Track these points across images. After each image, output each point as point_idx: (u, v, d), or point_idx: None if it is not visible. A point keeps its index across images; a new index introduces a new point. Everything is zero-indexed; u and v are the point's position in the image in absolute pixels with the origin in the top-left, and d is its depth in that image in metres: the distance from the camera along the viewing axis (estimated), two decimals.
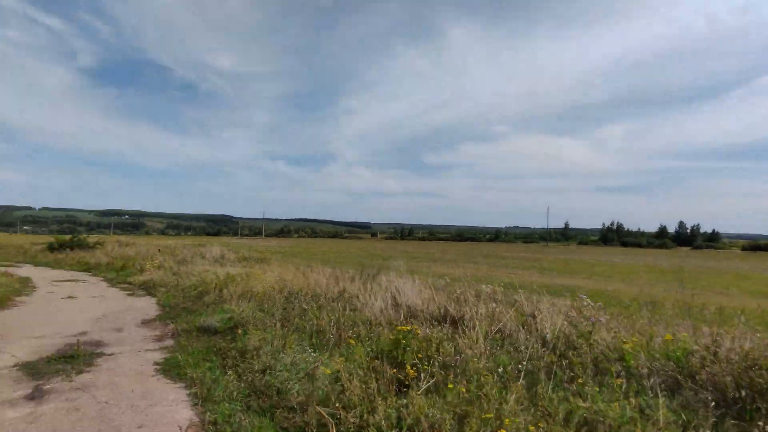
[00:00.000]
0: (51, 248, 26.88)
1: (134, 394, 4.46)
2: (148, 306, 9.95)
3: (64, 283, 13.83)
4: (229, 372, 4.87)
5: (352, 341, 5.26)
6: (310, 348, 5.60)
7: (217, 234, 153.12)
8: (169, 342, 6.57)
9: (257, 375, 4.72)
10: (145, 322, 8.06)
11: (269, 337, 5.85)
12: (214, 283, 11.02)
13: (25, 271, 17.71)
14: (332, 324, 6.23)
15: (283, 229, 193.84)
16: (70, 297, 10.81)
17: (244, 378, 4.68)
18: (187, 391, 4.53)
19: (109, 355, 5.84)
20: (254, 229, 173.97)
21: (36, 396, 4.33)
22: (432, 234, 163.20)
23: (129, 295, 11.64)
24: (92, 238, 31.10)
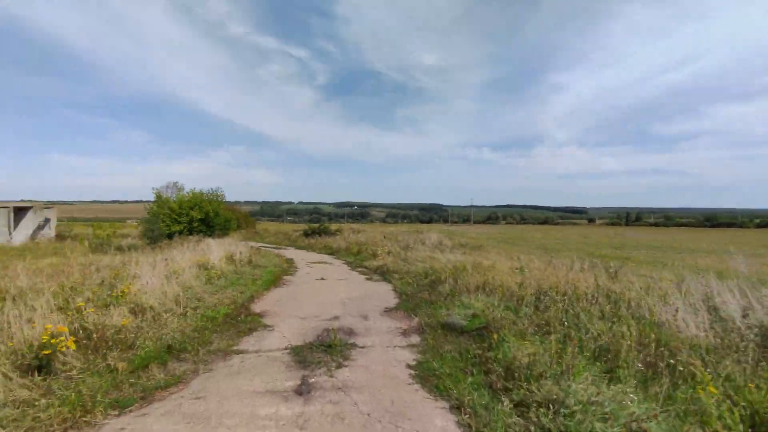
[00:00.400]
0: (306, 234, 32.51)
1: (394, 407, 3.77)
2: (385, 293, 10.02)
3: (316, 265, 15.85)
4: (504, 399, 3.71)
5: (701, 389, 3.32)
6: (602, 376, 3.99)
7: (429, 221, 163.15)
8: (415, 338, 5.96)
9: (542, 411, 3.40)
10: (387, 311, 7.86)
11: (540, 350, 4.49)
12: (447, 272, 10.41)
13: (289, 253, 21.46)
14: (627, 342, 4.42)
15: (491, 215, 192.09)
16: (321, 279, 11.99)
17: (527, 414, 3.43)
18: (455, 418, 3.57)
19: (361, 348, 5.53)
20: (462, 216, 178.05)
21: (303, 391, 4.10)
22: (669, 219, 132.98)
23: (367, 279, 12.22)
24: (333, 226, 36.48)
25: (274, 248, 25.17)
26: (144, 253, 15.71)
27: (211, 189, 38.71)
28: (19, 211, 30.75)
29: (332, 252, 21.67)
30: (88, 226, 47.80)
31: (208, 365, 4.77)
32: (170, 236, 33.26)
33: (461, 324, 6.30)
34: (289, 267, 14.82)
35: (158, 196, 36.10)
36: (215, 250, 14.82)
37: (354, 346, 5.59)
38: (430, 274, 11.21)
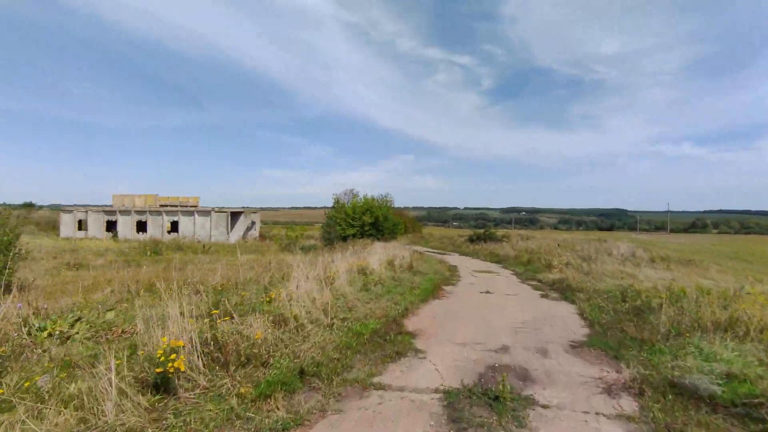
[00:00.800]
0: (470, 240, 31.01)
1: None
2: (568, 316, 7.86)
3: (480, 274, 14.26)
4: None
5: None
6: None
7: (609, 229, 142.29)
8: (630, 403, 3.94)
9: None
10: (575, 347, 5.85)
11: None
12: (659, 296, 7.64)
13: (453, 259, 20.30)
14: None
15: (695, 222, 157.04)
16: (486, 292, 10.39)
17: None
18: None
19: (543, 408, 3.83)
20: (654, 223, 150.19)
21: None
22: None
23: (542, 296, 10.10)
24: (500, 232, 34.01)
25: (437, 253, 24.46)
26: (318, 254, 16.61)
27: (381, 195, 40.64)
28: (234, 216, 37.57)
29: (498, 260, 19.67)
30: (284, 228, 55.92)
31: (339, 402, 3.82)
32: (345, 239, 36.08)
33: (710, 389, 3.98)
34: (451, 275, 13.61)
35: (336, 202, 39.69)
36: (379, 253, 14.67)
37: (531, 402, 3.94)
38: (630, 296, 8.50)
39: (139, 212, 37.01)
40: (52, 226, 40.18)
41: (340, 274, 8.97)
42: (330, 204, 37.45)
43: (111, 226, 37.62)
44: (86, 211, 37.84)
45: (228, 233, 36.16)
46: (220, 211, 36.04)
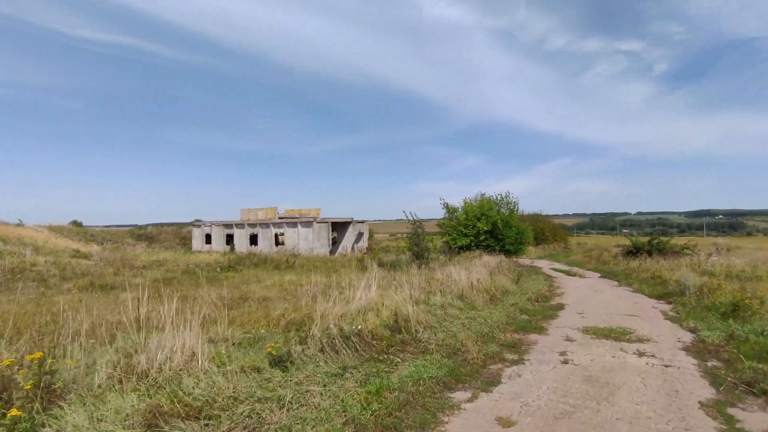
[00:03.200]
0: (628, 253, 21.44)
1: None
2: None
3: (602, 336, 6.87)
4: None
5: None
6: None
7: None
8: None
9: None
10: None
11: None
12: None
13: (577, 286, 12.54)
14: None
15: None
16: (610, 394, 3.58)
17: None
18: None
19: None
20: None
21: None
22: None
23: None
24: (680, 241, 23.10)
25: (564, 274, 16.53)
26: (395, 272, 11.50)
27: (500, 194, 32.90)
28: (341, 226, 34.74)
29: (665, 294, 10.99)
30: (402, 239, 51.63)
31: None
32: (459, 250, 29.58)
33: None
34: (537, 324, 6.70)
35: (446, 207, 33.41)
36: (456, 273, 8.71)
37: None
38: None
39: (252, 225, 37.22)
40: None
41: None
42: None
43: (230, 239, 38.81)
44: (211, 225, 39.90)
45: (329, 245, 33.41)
46: (322, 221, 33.58)
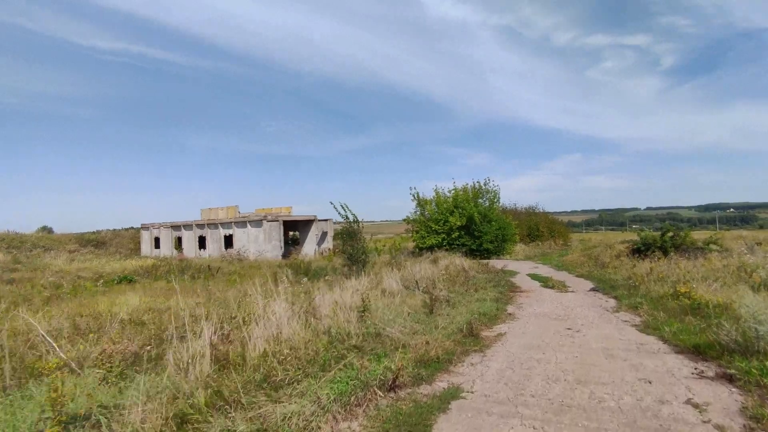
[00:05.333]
0: (635, 251, 16.37)
1: None
2: None
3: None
4: None
5: None
6: None
7: None
8: None
9: None
10: None
11: None
12: None
13: (539, 308, 7.55)
14: None
15: None
16: None
17: None
18: None
19: None
20: None
21: None
22: None
23: None
24: (699, 235, 17.99)
25: (540, 284, 11.54)
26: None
27: (477, 182, 27.64)
28: (303, 225, 29.88)
29: (720, 342, 5.93)
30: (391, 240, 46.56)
31: None
32: (430, 250, 24.51)
33: None
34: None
35: (417, 198, 28.22)
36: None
37: None
38: None
39: (200, 226, 32.48)
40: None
41: None
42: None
43: (180, 242, 34.13)
44: (159, 228, 35.23)
45: (281, 246, 28.53)
46: (273, 219, 28.72)
